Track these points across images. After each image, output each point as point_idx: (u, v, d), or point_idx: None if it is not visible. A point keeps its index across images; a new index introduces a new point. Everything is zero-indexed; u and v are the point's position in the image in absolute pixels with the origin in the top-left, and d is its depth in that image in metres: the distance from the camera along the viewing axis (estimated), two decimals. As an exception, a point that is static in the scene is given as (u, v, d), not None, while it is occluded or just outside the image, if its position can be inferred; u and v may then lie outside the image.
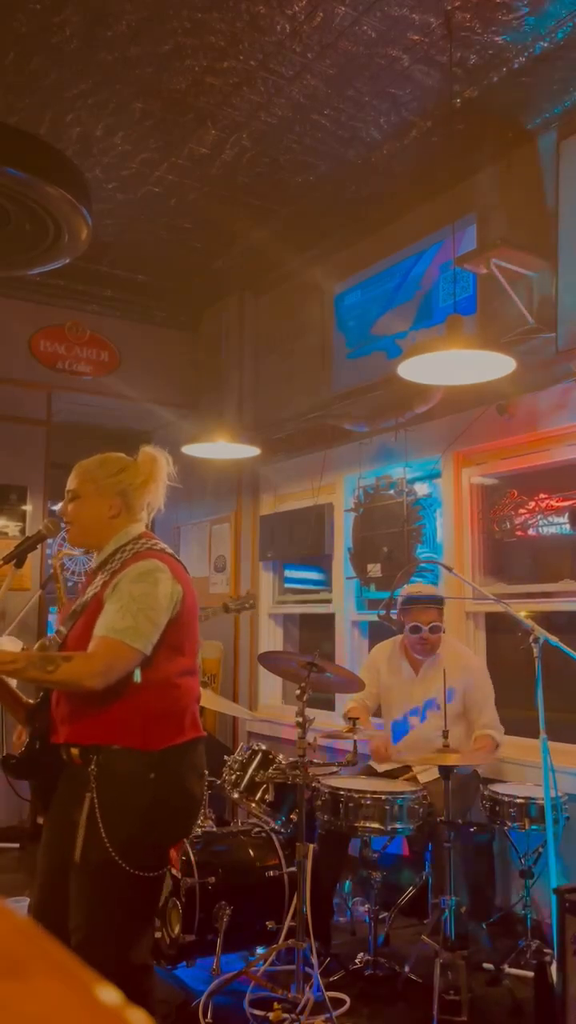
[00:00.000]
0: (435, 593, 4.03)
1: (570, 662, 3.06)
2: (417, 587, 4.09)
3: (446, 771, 3.16)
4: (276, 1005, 2.94)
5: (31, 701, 2.39)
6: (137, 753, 2.18)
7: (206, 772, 2.41)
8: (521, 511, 4.26)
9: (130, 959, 2.19)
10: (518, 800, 3.38)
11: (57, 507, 2.51)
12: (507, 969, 3.28)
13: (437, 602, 3.89)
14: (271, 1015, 2.91)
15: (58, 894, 2.22)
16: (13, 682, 2.43)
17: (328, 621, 5.44)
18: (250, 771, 3.56)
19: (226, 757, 3.75)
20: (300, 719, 3.17)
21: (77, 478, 2.43)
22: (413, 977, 3.24)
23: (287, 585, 6.04)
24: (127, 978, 2.16)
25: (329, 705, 5.16)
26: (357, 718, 3.72)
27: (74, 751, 2.22)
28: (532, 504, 4.21)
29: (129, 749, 2.18)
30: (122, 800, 2.17)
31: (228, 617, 6.05)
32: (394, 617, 4.03)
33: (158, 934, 3.24)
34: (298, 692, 3.25)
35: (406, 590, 3.99)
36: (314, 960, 2.99)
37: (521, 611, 3.30)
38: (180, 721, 2.27)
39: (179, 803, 2.26)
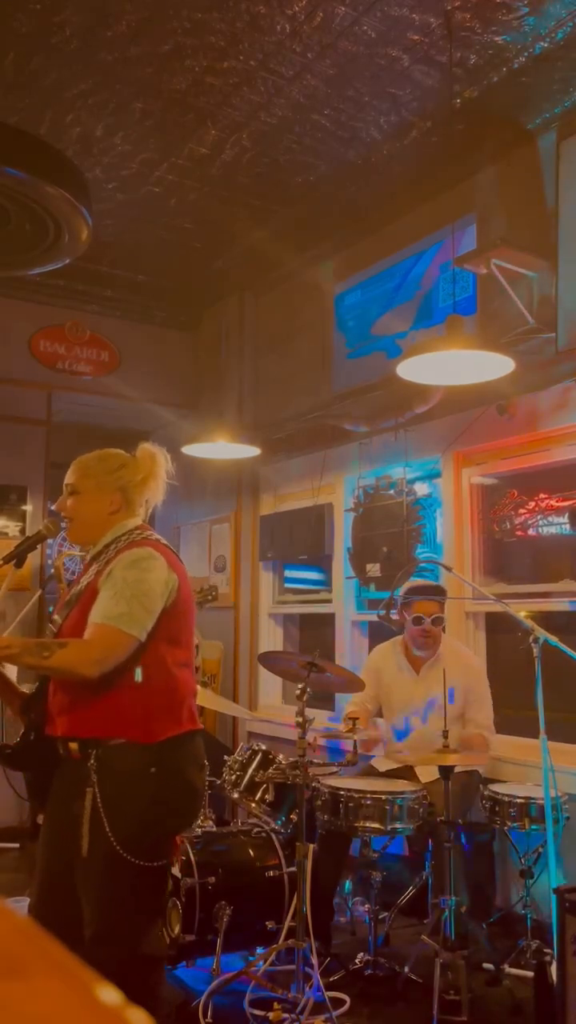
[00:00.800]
0: (438, 585, 4.04)
1: (570, 662, 3.06)
2: (420, 581, 4.11)
3: (446, 771, 3.16)
4: (276, 1005, 2.94)
5: (26, 691, 2.38)
6: (137, 747, 2.19)
7: (206, 763, 2.41)
8: (521, 511, 4.26)
9: (142, 950, 2.20)
10: (518, 800, 3.38)
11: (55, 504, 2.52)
12: (507, 969, 3.28)
13: (439, 594, 3.90)
14: (271, 1015, 2.91)
15: (60, 890, 2.23)
16: (11, 673, 2.43)
17: (328, 621, 5.44)
18: (250, 771, 3.56)
19: (226, 757, 3.75)
20: (300, 719, 3.17)
21: (76, 473, 2.43)
22: (413, 977, 3.24)
23: (287, 585, 6.04)
24: (140, 969, 2.17)
25: (329, 705, 5.16)
26: (357, 718, 3.71)
27: (72, 745, 2.21)
28: (532, 504, 4.21)
29: (129, 743, 2.18)
30: (124, 795, 2.17)
31: (228, 617, 6.06)
32: (393, 617, 4.03)
33: (158, 934, 3.24)
34: (298, 692, 3.25)
35: (409, 583, 4.00)
36: (314, 960, 2.99)
37: (521, 611, 3.30)
38: (178, 713, 2.28)
39: (181, 795, 2.27)
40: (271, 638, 5.97)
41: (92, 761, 2.17)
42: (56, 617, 2.39)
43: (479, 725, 3.78)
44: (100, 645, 2.16)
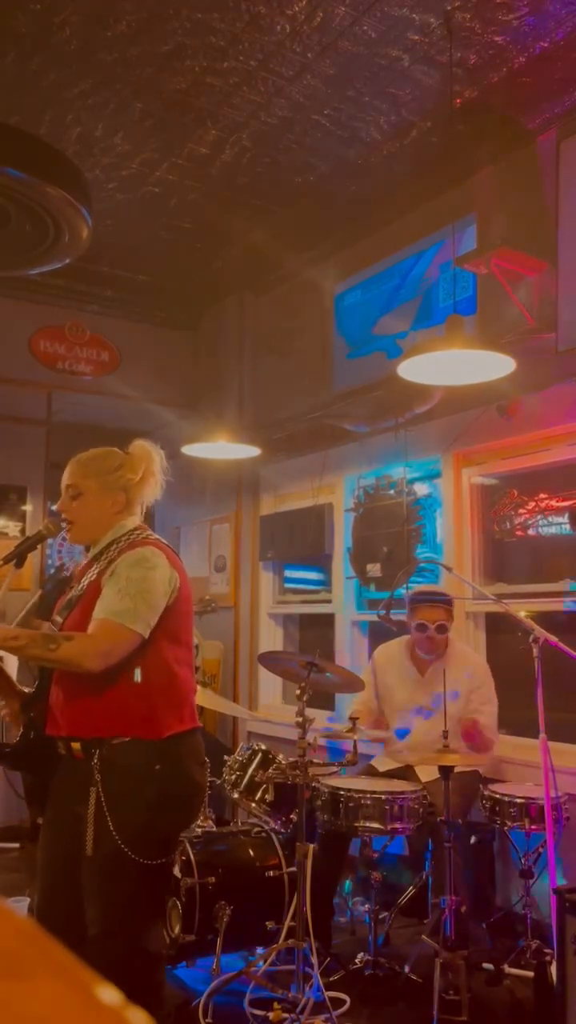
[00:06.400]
0: (444, 592, 4.03)
1: (570, 662, 3.06)
2: (427, 586, 4.10)
3: (446, 771, 3.16)
4: (276, 1005, 2.94)
5: (27, 690, 2.38)
6: (141, 744, 2.19)
7: (207, 760, 2.42)
8: (521, 511, 4.26)
9: (146, 948, 2.21)
10: (518, 800, 3.38)
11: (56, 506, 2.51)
12: (507, 969, 3.28)
13: (446, 602, 3.89)
14: (271, 1015, 2.91)
15: (63, 889, 2.23)
16: (12, 671, 2.43)
17: (328, 621, 5.44)
18: (250, 771, 3.56)
19: (226, 757, 3.75)
20: (300, 719, 3.17)
21: (77, 474, 2.42)
22: (413, 977, 3.24)
23: (287, 585, 6.04)
24: (143, 967, 2.19)
25: (329, 705, 5.16)
26: (358, 718, 3.71)
27: (75, 745, 2.22)
28: (532, 504, 4.21)
29: (133, 740, 2.19)
30: (129, 793, 2.18)
31: (228, 617, 6.06)
32: (393, 617, 4.02)
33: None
34: (298, 692, 3.25)
35: (416, 587, 3.99)
36: (314, 960, 2.99)
37: (521, 611, 3.30)
38: (181, 710, 2.29)
39: (184, 792, 2.28)
40: (271, 638, 5.97)
41: (96, 760, 2.17)
42: (57, 617, 2.39)
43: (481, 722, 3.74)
44: (105, 639, 2.17)
